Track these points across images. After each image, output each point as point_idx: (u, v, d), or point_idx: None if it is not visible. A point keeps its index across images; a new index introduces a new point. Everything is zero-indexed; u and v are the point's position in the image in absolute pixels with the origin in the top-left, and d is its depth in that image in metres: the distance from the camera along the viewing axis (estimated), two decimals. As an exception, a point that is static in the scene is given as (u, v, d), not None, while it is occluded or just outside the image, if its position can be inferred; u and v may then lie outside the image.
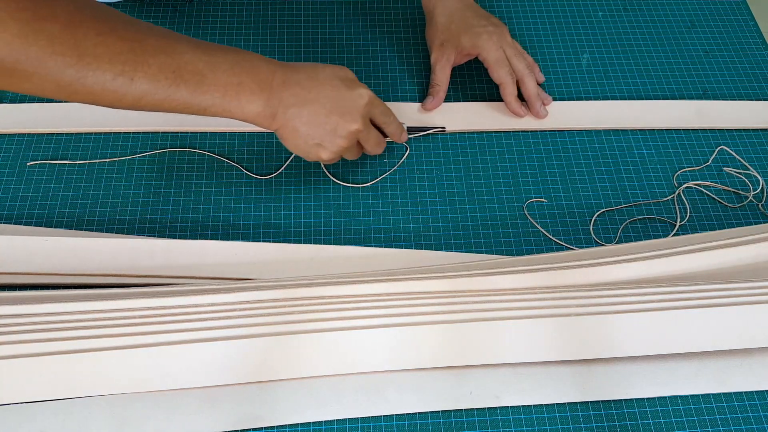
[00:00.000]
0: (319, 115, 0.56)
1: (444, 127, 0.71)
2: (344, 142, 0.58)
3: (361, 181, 0.67)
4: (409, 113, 0.72)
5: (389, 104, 0.63)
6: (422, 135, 0.70)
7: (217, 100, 0.53)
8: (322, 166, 0.68)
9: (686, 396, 0.55)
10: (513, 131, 0.71)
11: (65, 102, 0.49)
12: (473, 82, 0.75)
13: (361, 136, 0.59)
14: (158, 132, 0.70)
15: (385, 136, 0.63)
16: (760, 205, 0.67)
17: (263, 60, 0.55)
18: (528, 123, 0.72)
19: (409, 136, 0.68)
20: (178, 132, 0.70)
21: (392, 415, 0.53)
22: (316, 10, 0.81)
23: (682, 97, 0.75)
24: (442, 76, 0.71)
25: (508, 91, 0.71)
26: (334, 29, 0.79)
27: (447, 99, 0.72)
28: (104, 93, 0.49)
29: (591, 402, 0.54)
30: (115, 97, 0.50)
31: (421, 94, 0.74)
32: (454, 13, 0.72)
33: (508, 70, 0.70)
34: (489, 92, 0.74)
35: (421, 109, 0.72)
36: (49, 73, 0.47)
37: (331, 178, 0.67)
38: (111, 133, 0.69)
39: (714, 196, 0.68)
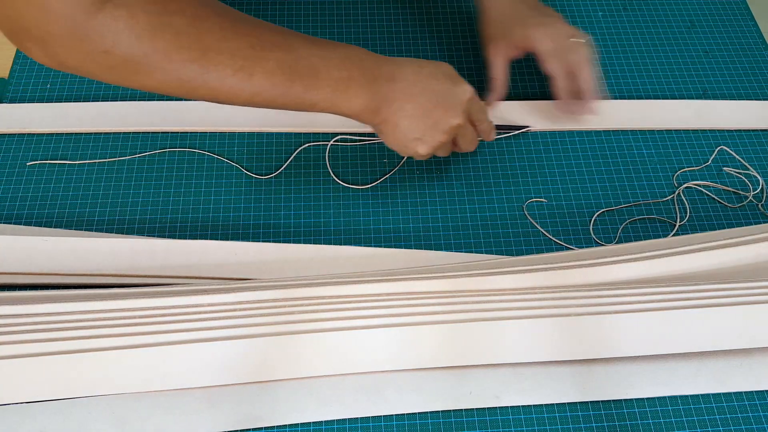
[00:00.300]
0: (423, 110, 0.56)
1: (529, 126, 0.71)
2: (444, 137, 0.58)
3: (361, 182, 0.67)
4: None
5: None
6: (508, 135, 0.70)
7: (327, 95, 0.53)
8: (328, 166, 0.68)
9: (686, 396, 0.55)
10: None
11: (184, 100, 0.49)
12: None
13: (460, 132, 0.59)
14: (158, 132, 0.69)
15: None
16: (760, 205, 0.67)
17: (369, 54, 0.55)
18: (525, 122, 0.72)
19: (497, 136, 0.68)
20: (177, 132, 0.70)
21: (392, 415, 0.53)
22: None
23: (682, 97, 0.75)
24: (497, 70, 0.70)
25: (559, 85, 0.68)
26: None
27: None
28: (223, 89, 0.49)
29: (591, 402, 0.54)
30: (233, 93, 0.50)
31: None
32: (506, 6, 0.71)
33: (561, 63, 0.67)
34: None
35: None
36: (173, 69, 0.47)
37: (334, 178, 0.67)
38: (111, 133, 0.69)
39: (714, 196, 0.68)
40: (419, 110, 0.56)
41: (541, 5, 0.72)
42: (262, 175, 0.67)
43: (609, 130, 0.72)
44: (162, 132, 0.69)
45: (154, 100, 0.72)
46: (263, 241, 0.62)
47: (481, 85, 0.75)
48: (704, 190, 0.68)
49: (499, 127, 0.69)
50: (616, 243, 0.64)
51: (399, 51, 0.78)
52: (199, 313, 0.53)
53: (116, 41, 0.44)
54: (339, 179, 0.67)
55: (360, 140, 0.70)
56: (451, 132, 0.58)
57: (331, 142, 0.69)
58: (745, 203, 0.67)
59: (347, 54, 0.54)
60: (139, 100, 0.71)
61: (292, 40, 0.52)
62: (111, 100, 0.71)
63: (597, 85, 0.68)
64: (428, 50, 0.78)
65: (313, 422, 0.53)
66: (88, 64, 0.46)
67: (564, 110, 0.70)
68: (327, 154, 0.69)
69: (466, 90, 0.58)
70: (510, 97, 0.72)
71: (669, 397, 0.55)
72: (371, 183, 0.67)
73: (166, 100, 0.72)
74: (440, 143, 0.58)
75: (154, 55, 0.46)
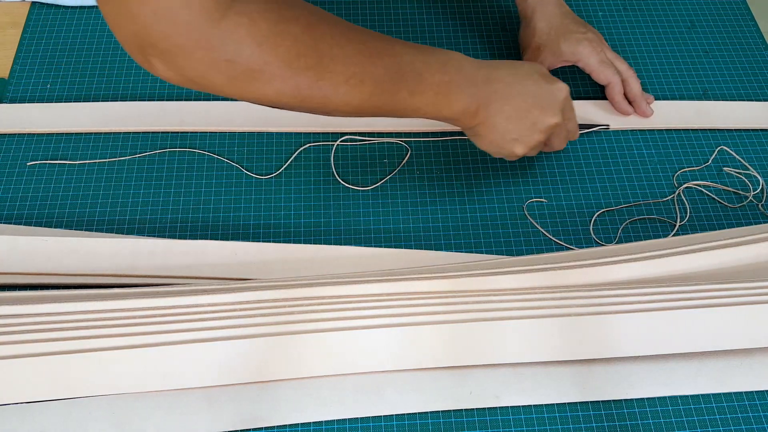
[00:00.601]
0: (521, 110, 0.56)
1: (608, 125, 0.72)
2: (541, 137, 0.58)
3: (362, 182, 0.67)
4: None
5: None
6: (587, 132, 0.71)
7: (431, 99, 0.53)
8: (332, 166, 0.68)
9: (686, 396, 0.55)
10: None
11: (293, 110, 0.49)
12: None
13: (556, 131, 0.59)
14: (158, 132, 0.69)
15: None
16: (760, 205, 0.67)
17: (466, 58, 0.56)
18: (604, 120, 0.72)
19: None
20: (178, 132, 0.70)
21: (392, 415, 0.53)
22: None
23: (682, 97, 0.75)
24: None
25: (617, 90, 0.71)
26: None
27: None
28: (335, 96, 0.49)
29: (591, 402, 0.54)
30: (344, 101, 0.50)
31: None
32: (553, 19, 0.73)
33: (614, 70, 0.71)
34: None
35: None
36: (291, 76, 0.47)
37: (337, 178, 0.67)
38: (111, 133, 0.69)
39: (714, 196, 0.68)
40: (517, 111, 0.56)
41: (585, 22, 0.74)
42: (262, 175, 0.67)
43: (609, 130, 0.72)
44: (162, 132, 0.69)
45: (154, 99, 0.72)
46: (263, 241, 0.62)
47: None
48: (704, 190, 0.68)
49: (581, 126, 0.69)
50: (616, 243, 0.64)
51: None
52: (199, 313, 0.53)
53: (239, 49, 0.44)
54: (340, 179, 0.67)
55: (362, 140, 0.70)
56: (548, 131, 0.58)
57: (338, 142, 0.69)
58: (745, 203, 0.67)
59: (446, 58, 0.54)
60: (139, 101, 0.71)
61: (396, 47, 0.52)
62: (111, 100, 0.71)
63: (641, 93, 0.72)
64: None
65: (313, 422, 0.53)
66: (211, 74, 0.45)
67: (623, 112, 0.72)
68: (333, 155, 0.69)
69: (562, 88, 0.58)
70: (581, 96, 0.74)
71: (669, 397, 0.55)
72: (372, 184, 0.67)
73: (167, 99, 0.72)
74: (537, 142, 0.58)
75: (274, 62, 0.46)
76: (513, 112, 0.56)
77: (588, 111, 0.73)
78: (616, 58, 0.73)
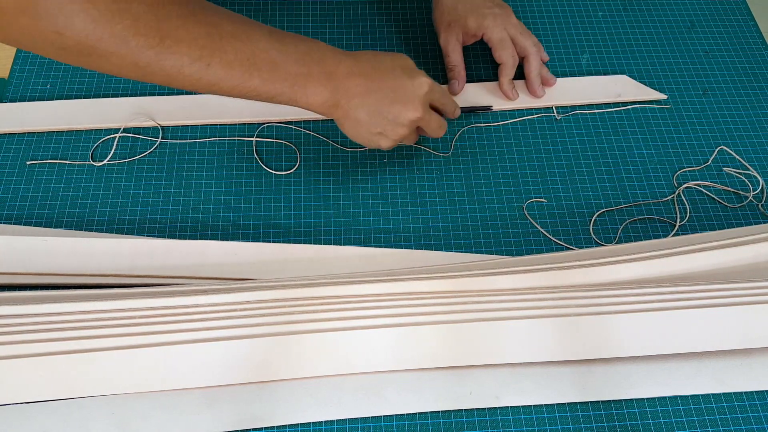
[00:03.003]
0: (382, 105, 0.57)
1: (491, 106, 0.73)
2: (405, 131, 0.59)
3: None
4: None
5: None
6: (472, 112, 0.72)
7: (286, 89, 0.53)
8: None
9: (686, 396, 0.55)
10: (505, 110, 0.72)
11: (141, 82, 0.50)
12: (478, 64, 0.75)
13: (421, 123, 0.60)
14: (158, 128, 0.69)
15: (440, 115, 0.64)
16: (760, 205, 0.67)
17: (329, 49, 0.56)
18: (487, 102, 0.73)
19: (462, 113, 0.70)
20: (179, 126, 0.70)
21: (392, 415, 0.53)
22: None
23: (682, 98, 0.75)
24: (456, 57, 0.73)
25: (506, 72, 0.72)
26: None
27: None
28: (180, 76, 0.49)
29: (591, 402, 0.54)
30: (191, 81, 0.50)
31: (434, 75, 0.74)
32: None
33: (511, 51, 0.72)
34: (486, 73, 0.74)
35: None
36: (129, 54, 0.46)
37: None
38: (111, 129, 0.69)
39: (714, 196, 0.68)
40: (379, 105, 0.57)
41: None
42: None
43: (609, 130, 0.72)
44: (163, 126, 0.69)
45: (155, 95, 0.72)
46: (263, 241, 0.62)
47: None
48: (704, 190, 0.68)
49: (463, 109, 0.70)
50: (616, 243, 0.64)
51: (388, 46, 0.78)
52: (199, 313, 0.53)
53: (69, 23, 0.43)
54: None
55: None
56: (411, 125, 0.59)
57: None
58: (745, 203, 0.67)
59: (308, 49, 0.54)
60: (139, 95, 0.71)
61: (252, 32, 0.52)
62: (112, 96, 0.71)
63: (543, 71, 0.73)
64: (428, 48, 0.78)
65: (313, 422, 0.53)
66: (39, 42, 0.45)
67: (506, 96, 0.73)
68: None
69: (423, 83, 0.59)
70: (471, 79, 0.75)
71: (669, 397, 0.55)
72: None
73: (167, 94, 0.72)
74: (402, 136, 0.59)
75: (109, 39, 0.45)
76: (374, 107, 0.57)
77: (477, 93, 0.74)
78: (522, 33, 0.73)
